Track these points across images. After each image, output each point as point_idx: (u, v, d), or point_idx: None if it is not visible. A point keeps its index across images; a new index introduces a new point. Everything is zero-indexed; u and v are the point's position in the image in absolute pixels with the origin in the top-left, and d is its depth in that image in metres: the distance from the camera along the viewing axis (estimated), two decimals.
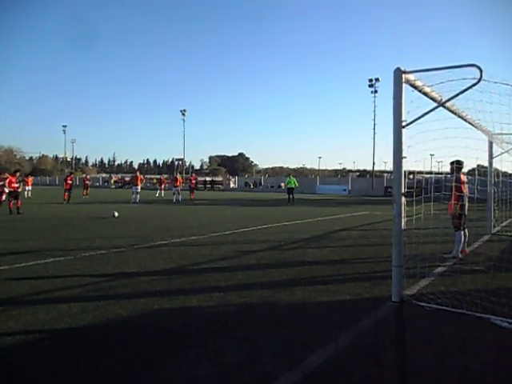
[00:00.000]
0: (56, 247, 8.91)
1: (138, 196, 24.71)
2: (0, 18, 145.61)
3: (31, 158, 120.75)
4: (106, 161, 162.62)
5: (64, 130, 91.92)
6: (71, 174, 27.54)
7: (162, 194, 34.08)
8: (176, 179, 27.81)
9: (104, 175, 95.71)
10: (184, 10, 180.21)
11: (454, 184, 7.59)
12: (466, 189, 7.89)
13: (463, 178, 7.93)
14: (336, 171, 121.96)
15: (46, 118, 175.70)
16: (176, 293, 5.54)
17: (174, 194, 27.24)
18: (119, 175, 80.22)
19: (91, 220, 14.88)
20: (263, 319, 4.63)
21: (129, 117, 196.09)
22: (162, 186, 35.52)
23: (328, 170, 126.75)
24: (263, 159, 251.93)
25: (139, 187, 24.96)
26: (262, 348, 3.80)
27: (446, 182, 7.63)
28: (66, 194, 24.22)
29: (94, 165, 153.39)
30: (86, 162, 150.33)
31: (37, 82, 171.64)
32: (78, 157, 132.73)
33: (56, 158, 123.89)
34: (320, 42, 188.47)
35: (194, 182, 33.07)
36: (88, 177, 35.30)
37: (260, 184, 61.30)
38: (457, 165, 7.78)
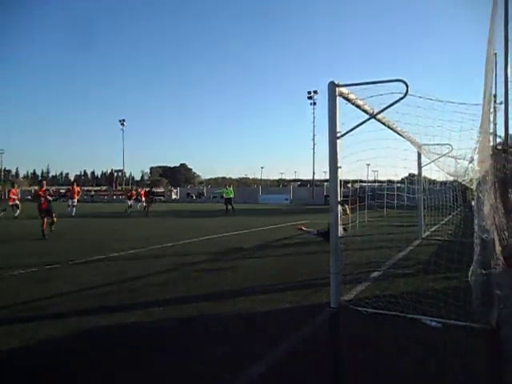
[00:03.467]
0: None
1: (75, 209, 23.63)
2: None
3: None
4: (39, 172, 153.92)
5: None
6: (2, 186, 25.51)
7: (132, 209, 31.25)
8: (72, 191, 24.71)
9: (37, 188, 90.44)
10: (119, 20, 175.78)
11: None
12: None
13: None
14: (278, 181, 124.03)
15: None
16: (114, 309, 5.33)
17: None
18: (54, 187, 76.23)
19: (22, 236, 13.93)
20: (203, 332, 4.57)
21: (63, 128, 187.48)
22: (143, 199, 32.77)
23: (270, 180, 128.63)
24: (205, 170, 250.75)
25: (76, 200, 23.86)
26: (201, 361, 3.73)
27: (379, 191, 8.00)
28: None
29: (26, 177, 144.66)
30: (17, 173, 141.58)
31: None
32: (7, 168, 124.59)
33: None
34: (262, 52, 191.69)
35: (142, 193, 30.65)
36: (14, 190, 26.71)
37: (202, 195, 60.88)
38: None
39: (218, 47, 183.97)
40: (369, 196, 6.80)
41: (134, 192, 30.77)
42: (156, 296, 5.95)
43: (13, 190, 23.28)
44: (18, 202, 22.22)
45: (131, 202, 28.13)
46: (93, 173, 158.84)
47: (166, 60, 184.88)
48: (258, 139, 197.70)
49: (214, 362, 3.72)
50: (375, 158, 5.66)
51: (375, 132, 5.86)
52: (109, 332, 4.54)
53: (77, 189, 24.48)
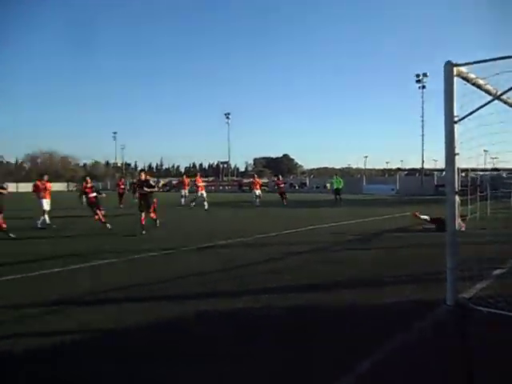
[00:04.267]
0: (112, 249, 9.26)
1: (185, 199, 25.03)
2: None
3: (85, 165, 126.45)
4: (154, 165, 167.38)
5: (114, 137, 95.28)
6: (121, 178, 28.35)
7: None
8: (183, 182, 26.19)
9: (153, 179, 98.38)
10: (239, 9, 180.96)
11: None
12: None
13: None
14: (383, 170, 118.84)
15: (97, 125, 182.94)
16: (221, 295, 5.59)
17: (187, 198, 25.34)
18: (167, 179, 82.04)
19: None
20: (310, 323, 4.57)
21: (175, 122, 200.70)
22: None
23: (375, 170, 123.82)
24: (308, 160, 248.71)
25: (186, 191, 25.36)
26: (311, 352, 3.74)
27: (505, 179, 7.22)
28: (120, 198, 24.96)
29: (143, 169, 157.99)
30: (136, 166, 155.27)
31: (90, 93, 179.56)
32: (128, 162, 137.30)
33: (107, 163, 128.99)
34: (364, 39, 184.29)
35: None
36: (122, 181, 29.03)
37: (305, 185, 60.87)
38: None
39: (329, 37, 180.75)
40: (490, 185, 6.18)
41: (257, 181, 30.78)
42: (263, 284, 6.10)
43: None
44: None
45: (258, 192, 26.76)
46: (201, 165, 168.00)
47: (276, 54, 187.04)
48: (362, 127, 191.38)
49: (322, 355, 3.70)
50: (499, 143, 5.12)
51: (498, 114, 5.28)
52: (220, 316, 4.78)
53: (187, 180, 26.15)
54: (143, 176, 12.59)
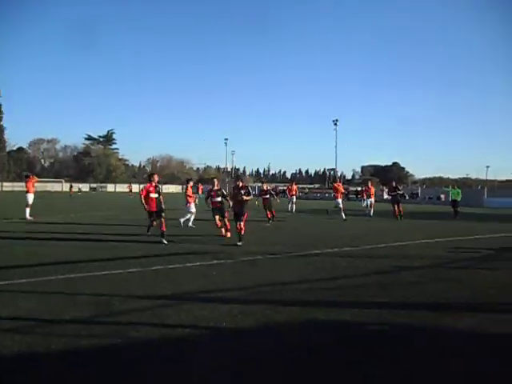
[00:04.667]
0: (222, 250, 9.73)
1: (294, 206, 25.11)
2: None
3: (198, 169, 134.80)
4: (261, 170, 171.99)
5: (225, 143, 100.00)
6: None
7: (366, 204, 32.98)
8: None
9: (259, 184, 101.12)
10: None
11: None
12: None
13: None
14: (506, 182, 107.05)
15: (210, 131, 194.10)
16: (329, 305, 5.50)
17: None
18: (273, 184, 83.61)
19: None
20: (425, 346, 4.26)
21: (283, 128, 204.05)
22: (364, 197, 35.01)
23: (498, 181, 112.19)
24: (420, 169, 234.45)
25: (294, 197, 25.49)
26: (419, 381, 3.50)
27: None
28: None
29: (251, 174, 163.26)
30: (244, 171, 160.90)
31: (202, 101, 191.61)
32: (237, 167, 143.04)
33: (218, 168, 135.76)
34: None
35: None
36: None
37: (417, 195, 57.47)
38: None
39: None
40: None
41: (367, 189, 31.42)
42: (372, 297, 5.87)
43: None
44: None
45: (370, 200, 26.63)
46: (307, 171, 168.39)
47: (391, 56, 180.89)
48: (483, 133, 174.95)
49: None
50: None
51: None
52: (326, 327, 4.71)
53: (295, 187, 26.39)
54: (240, 183, 11.92)
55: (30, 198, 17.91)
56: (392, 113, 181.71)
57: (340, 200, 21.01)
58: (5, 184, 74.52)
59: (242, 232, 11.00)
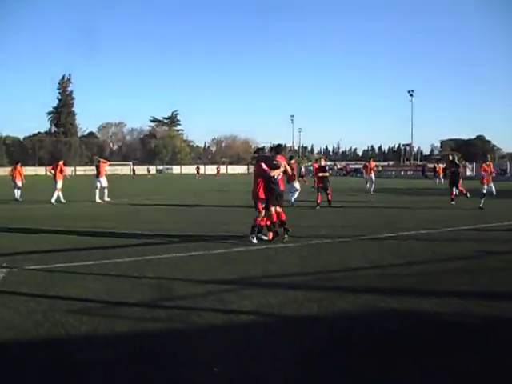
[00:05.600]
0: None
1: (374, 185, 24.14)
2: None
3: (263, 148, 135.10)
4: (330, 148, 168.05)
5: (292, 120, 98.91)
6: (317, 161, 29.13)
7: (442, 182, 32.70)
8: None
9: (329, 163, 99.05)
10: None
11: None
12: None
13: None
14: None
15: (276, 109, 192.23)
16: (405, 293, 5.16)
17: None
18: (343, 163, 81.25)
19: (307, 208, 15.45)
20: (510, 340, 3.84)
21: (353, 102, 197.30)
22: (441, 175, 34.51)
23: None
24: (509, 142, 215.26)
25: (373, 175, 24.39)
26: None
27: None
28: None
29: (320, 152, 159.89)
30: (312, 149, 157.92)
31: (265, 79, 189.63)
32: (305, 145, 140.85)
33: (284, 146, 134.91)
34: None
35: None
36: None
37: (505, 172, 53.15)
38: None
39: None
40: None
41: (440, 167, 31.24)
42: (453, 285, 5.43)
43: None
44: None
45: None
46: (380, 148, 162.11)
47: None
48: None
49: None
50: None
51: None
52: (400, 316, 4.41)
53: (373, 164, 25.36)
54: (323, 162, 16.74)
55: (104, 181, 18.97)
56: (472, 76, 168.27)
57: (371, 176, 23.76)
58: (78, 168, 78.33)
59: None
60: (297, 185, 16.49)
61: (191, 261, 6.97)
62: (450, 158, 19.54)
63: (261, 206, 8.58)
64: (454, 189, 17.45)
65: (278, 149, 9.56)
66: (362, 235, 9.26)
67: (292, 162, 16.53)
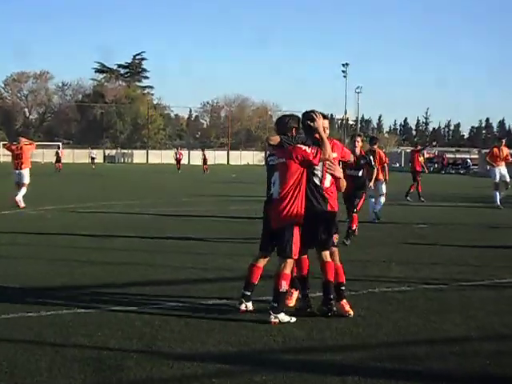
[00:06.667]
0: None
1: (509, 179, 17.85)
2: None
3: (296, 117, 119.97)
4: (412, 122, 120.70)
5: (344, 76, 68.60)
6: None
7: None
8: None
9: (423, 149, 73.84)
10: None
11: None
12: None
13: None
14: None
15: (317, 55, 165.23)
16: None
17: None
18: (434, 150, 59.38)
19: None
20: None
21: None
22: None
23: None
24: None
25: (504, 169, 17.83)
26: None
27: None
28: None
29: (390, 130, 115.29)
30: (380, 124, 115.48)
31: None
32: (367, 117, 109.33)
33: (331, 118, 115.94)
34: None
35: None
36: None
37: None
38: None
39: None
40: None
41: None
42: None
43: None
44: None
45: None
46: (501, 122, 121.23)
47: None
48: None
49: None
50: None
51: None
52: None
53: (506, 151, 16.30)
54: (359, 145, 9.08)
55: (27, 175, 13.19)
56: None
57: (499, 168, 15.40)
58: None
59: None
60: (384, 187, 11.41)
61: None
62: None
63: (297, 248, 4.36)
64: None
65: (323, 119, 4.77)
66: (466, 279, 6.15)
67: (375, 147, 11.28)
